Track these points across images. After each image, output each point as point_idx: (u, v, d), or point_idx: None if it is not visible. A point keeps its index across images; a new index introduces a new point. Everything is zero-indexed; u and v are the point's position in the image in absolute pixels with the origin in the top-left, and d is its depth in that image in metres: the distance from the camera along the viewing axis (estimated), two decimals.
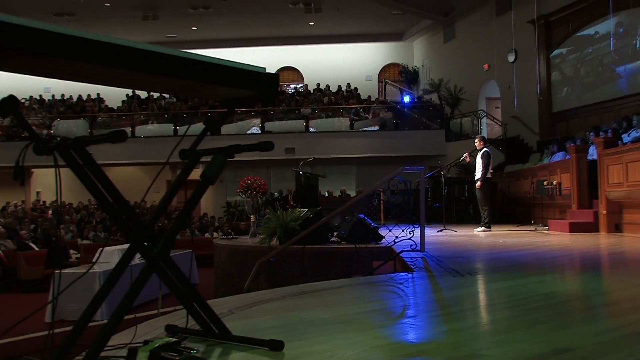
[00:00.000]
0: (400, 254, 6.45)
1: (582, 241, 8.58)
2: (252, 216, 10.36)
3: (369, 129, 22.15)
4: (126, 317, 2.31)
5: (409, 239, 6.64)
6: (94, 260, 10.07)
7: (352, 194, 22.01)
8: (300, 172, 10.55)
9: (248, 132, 22.23)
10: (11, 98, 2.01)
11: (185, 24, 24.04)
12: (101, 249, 10.21)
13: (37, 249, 13.10)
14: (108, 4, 21.36)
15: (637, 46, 15.46)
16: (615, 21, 15.93)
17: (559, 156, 13.55)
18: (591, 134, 13.13)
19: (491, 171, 11.41)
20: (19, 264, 11.78)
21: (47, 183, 24.69)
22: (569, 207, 11.58)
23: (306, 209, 8.52)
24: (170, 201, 2.81)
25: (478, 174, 11.14)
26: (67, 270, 8.87)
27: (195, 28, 24.64)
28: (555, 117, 19.02)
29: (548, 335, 2.69)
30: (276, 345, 2.43)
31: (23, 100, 25.71)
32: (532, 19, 19.21)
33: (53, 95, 26.31)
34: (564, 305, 3.58)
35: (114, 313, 2.25)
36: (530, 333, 2.75)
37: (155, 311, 3.48)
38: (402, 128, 21.81)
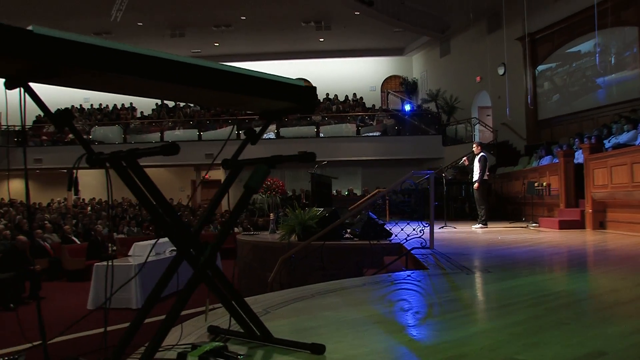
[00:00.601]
0: (412, 251, 6.25)
1: (575, 238, 8.39)
2: (271, 214, 10.14)
3: (373, 134, 21.95)
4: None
5: (420, 237, 6.44)
6: (129, 253, 9.95)
7: (358, 193, 21.80)
8: (315, 174, 10.33)
9: (264, 137, 22.02)
10: (66, 111, 1.83)
11: (208, 40, 23.89)
12: (135, 243, 10.01)
13: (78, 242, 12.95)
14: (141, 24, 21.23)
15: (612, 62, 15.48)
16: (595, 40, 15.67)
17: (546, 160, 13.44)
18: (576, 140, 12.97)
19: (487, 174, 11.24)
20: (64, 255, 11.67)
21: (85, 182, 24.57)
22: (556, 206, 11.43)
23: (322, 208, 8.31)
24: (215, 209, 2.63)
25: (476, 176, 10.98)
26: (104, 264, 8.66)
27: (217, 44, 24.50)
28: (540, 124, 18.97)
29: (577, 337, 2.49)
30: (318, 349, 2.23)
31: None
32: (519, 36, 19.17)
33: (91, 105, 26.21)
34: (580, 305, 3.37)
35: (163, 321, 2.05)
36: (558, 335, 2.54)
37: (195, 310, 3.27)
38: (403, 134, 21.62)
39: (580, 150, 11.28)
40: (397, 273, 4.71)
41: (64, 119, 1.82)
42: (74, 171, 1.97)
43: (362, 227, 8.14)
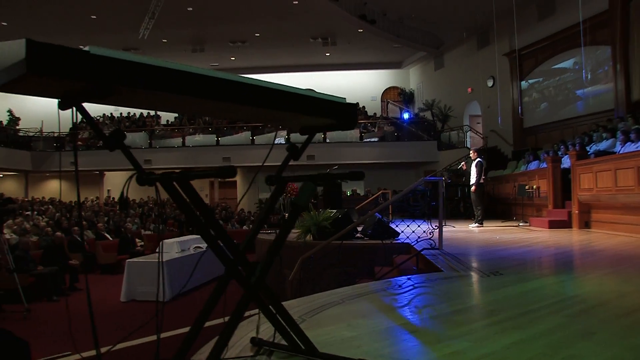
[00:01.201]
0: (422, 252, 6.04)
1: (566, 237, 8.20)
2: (286, 214, 9.89)
3: (374, 139, 21.70)
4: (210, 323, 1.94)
5: (429, 238, 6.22)
6: (157, 250, 9.76)
7: (362, 193, 21.60)
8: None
9: (276, 141, 21.81)
10: (118, 132, 1.62)
11: (225, 55, 23.69)
12: (162, 241, 9.80)
13: (110, 238, 12.74)
14: (165, 40, 21.03)
15: (589, 77, 15.30)
16: (576, 57, 16.11)
17: (534, 164, 13.29)
18: (561, 146, 12.83)
19: (483, 177, 11.01)
20: (98, 251, 11.46)
21: (115, 183, 24.46)
22: (545, 206, 11.24)
23: (334, 210, 8.10)
24: (262, 227, 2.41)
25: (473, 179, 10.78)
26: (137, 259, 8.44)
27: (234, 58, 24.28)
28: (526, 131, 18.88)
29: (610, 349, 2.27)
30: None
31: (97, 118, 25.47)
32: (507, 52, 19.13)
33: (120, 113, 26.03)
34: (597, 311, 3.13)
35: (217, 341, 1.83)
36: (591, 347, 2.32)
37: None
38: (401, 139, 21.39)
39: (567, 156, 11.18)
40: (415, 276, 4.48)
41: (116, 140, 1.61)
42: (125, 191, 1.75)
43: (373, 227, 7.93)
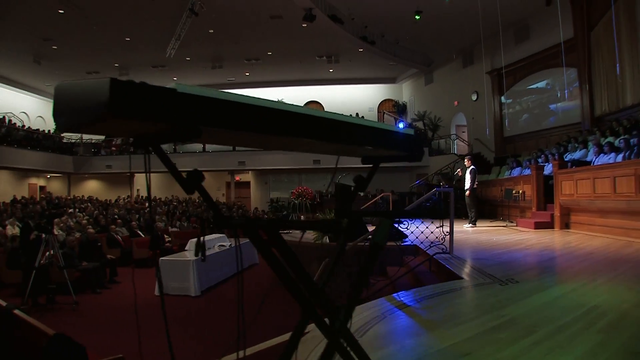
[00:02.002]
0: (434, 256, 5.71)
1: (555, 239, 7.96)
2: (302, 216, 9.56)
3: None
4: None
5: (442, 244, 5.88)
6: (186, 248, 9.40)
7: (361, 194, 21.24)
8: (339, 184, 9.76)
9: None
10: (196, 173, 1.29)
11: (241, 70, 23.32)
12: (190, 240, 9.47)
13: (143, 235, 12.38)
14: (188, 58, 20.64)
15: (559, 95, 16.08)
16: (548, 76, 16.54)
17: (517, 170, 13.12)
18: (541, 155, 12.65)
19: (477, 183, 10.69)
20: (133, 247, 11.11)
21: (144, 183, 24.05)
22: (528, 208, 11.08)
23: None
24: (337, 264, 2.08)
25: (467, 184, 10.47)
26: (169, 258, 8.10)
27: (248, 73, 23.91)
28: (506, 140, 18.82)
29: None
30: None
31: None
32: (488, 71, 19.00)
33: None
34: (624, 325, 2.81)
35: None
36: None
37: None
38: None
39: (549, 164, 11.07)
40: (440, 285, 4.13)
41: (193, 182, 1.29)
42: (202, 238, 1.43)
43: None
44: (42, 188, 23.97)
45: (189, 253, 8.86)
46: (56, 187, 24.31)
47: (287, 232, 9.53)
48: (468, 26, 17.35)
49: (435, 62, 21.97)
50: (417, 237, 6.90)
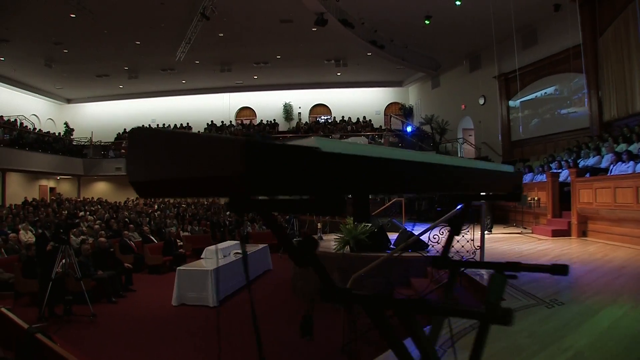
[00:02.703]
0: (464, 271, 5.43)
1: (578, 249, 7.64)
2: (319, 224, 9.29)
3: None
4: None
5: (472, 258, 5.61)
6: (202, 256, 9.12)
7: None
8: None
9: None
10: (310, 241, 1.03)
11: (249, 74, 23.03)
12: (206, 248, 9.20)
13: (155, 241, 12.08)
14: (197, 62, 20.38)
15: (567, 101, 15.83)
16: (556, 82, 16.21)
17: (528, 176, 12.77)
18: (554, 161, 12.40)
19: None
20: (146, 253, 10.84)
21: None
22: (543, 215, 10.78)
23: (369, 224, 7.48)
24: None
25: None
26: (186, 267, 7.81)
27: (256, 77, 23.64)
28: (514, 144, 18.46)
29: None
30: None
31: None
32: (495, 75, 18.77)
33: (157, 125, 25.37)
34: None
35: None
36: None
37: None
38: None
39: (564, 171, 10.83)
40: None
41: (308, 253, 1.02)
42: (310, 316, 1.16)
43: (407, 240, 7.33)
44: (52, 190, 23.75)
45: (205, 261, 8.61)
46: (66, 188, 24.07)
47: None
48: (476, 31, 17.17)
49: (442, 66, 21.69)
50: (438, 246, 6.61)
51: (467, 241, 5.74)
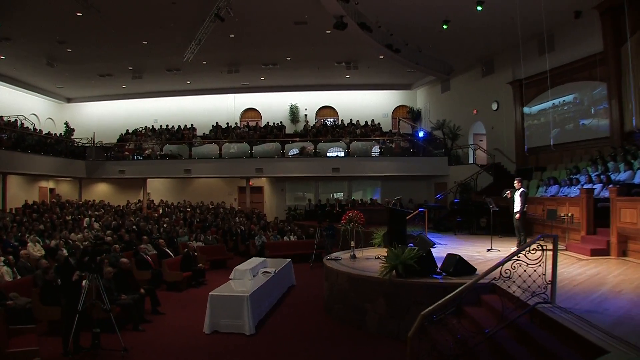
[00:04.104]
0: (536, 306, 5.01)
1: (632, 273, 7.16)
2: (352, 242, 8.80)
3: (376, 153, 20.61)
4: None
5: (544, 294, 5.15)
6: (230, 277, 8.57)
7: (379, 201, 20.62)
8: (394, 208, 8.97)
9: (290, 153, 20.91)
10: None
11: (256, 75, 22.42)
12: (235, 268, 8.68)
13: (172, 255, 11.45)
14: (205, 62, 19.74)
15: (587, 109, 15.42)
16: (574, 89, 15.86)
17: (554, 188, 12.49)
18: (580, 174, 12.16)
19: (526, 206, 10.02)
20: (164, 269, 10.22)
21: (154, 187, 23.20)
22: (573, 230, 10.31)
23: (416, 248, 7.03)
24: None
25: (517, 207, 9.82)
26: (220, 293, 7.25)
27: (263, 78, 23.04)
28: (528, 151, 17.91)
29: None
30: None
31: (140, 130, 24.13)
32: (510, 81, 18.42)
33: (160, 125, 24.67)
34: None
35: None
36: None
37: None
38: (416, 155, 20.28)
39: (599, 187, 10.49)
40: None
41: None
42: None
43: (455, 265, 6.90)
44: (51, 191, 23.01)
45: (234, 283, 8.09)
46: (66, 189, 23.35)
47: (336, 259, 8.71)
48: (491, 36, 16.84)
49: (454, 70, 21.28)
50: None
51: (539, 275, 5.28)
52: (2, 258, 8.87)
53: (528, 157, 17.88)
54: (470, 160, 20.35)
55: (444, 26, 15.40)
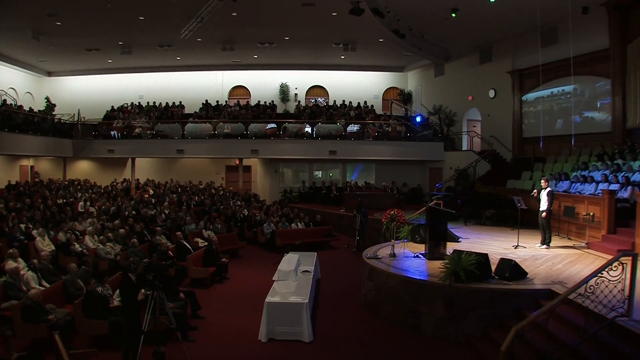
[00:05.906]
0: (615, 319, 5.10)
1: None
2: (392, 240, 8.70)
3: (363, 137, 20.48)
4: None
5: (622, 308, 5.23)
6: (274, 278, 8.32)
7: (374, 184, 20.64)
8: (436, 208, 8.87)
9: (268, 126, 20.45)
10: None
11: (250, 53, 21.62)
12: (279, 269, 8.44)
13: (191, 248, 10.98)
14: (200, 39, 18.79)
15: (588, 102, 15.56)
16: (575, 83, 15.95)
17: (565, 184, 12.52)
18: (593, 169, 12.28)
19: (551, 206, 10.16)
20: (188, 264, 9.79)
21: (140, 165, 22.14)
22: (593, 229, 10.46)
23: (474, 253, 7.02)
24: None
25: (543, 206, 9.99)
26: (277, 300, 6.99)
27: (256, 56, 22.25)
28: (525, 140, 18.30)
29: None
30: None
31: (126, 106, 22.97)
32: (509, 70, 18.54)
33: (147, 102, 23.54)
34: None
35: None
36: None
37: None
38: (412, 139, 20.25)
39: (613, 185, 10.66)
40: None
41: None
42: None
43: (510, 270, 6.98)
44: (31, 168, 21.73)
45: (279, 285, 7.87)
46: (46, 167, 22.07)
47: (376, 257, 8.56)
48: (493, 24, 16.73)
49: (452, 55, 21.20)
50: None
51: (619, 291, 5.36)
52: (23, 263, 8.28)
53: (524, 146, 18.16)
54: (465, 147, 20.59)
55: (453, 15, 15.19)
